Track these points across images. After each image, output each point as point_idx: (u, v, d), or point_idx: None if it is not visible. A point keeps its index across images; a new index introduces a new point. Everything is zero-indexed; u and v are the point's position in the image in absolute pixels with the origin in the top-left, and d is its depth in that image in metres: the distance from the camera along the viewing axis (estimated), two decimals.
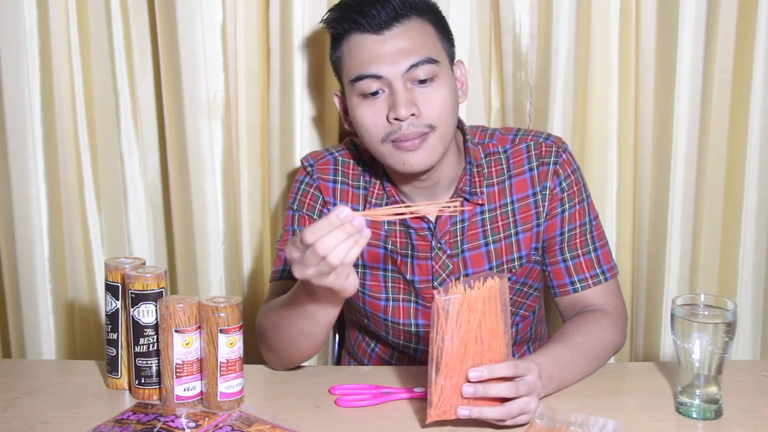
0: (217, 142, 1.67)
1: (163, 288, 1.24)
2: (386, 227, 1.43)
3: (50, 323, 1.73)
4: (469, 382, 1.11)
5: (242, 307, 1.20)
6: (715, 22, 1.65)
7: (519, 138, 1.44)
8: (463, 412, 1.11)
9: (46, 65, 1.64)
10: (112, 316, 1.27)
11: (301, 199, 1.44)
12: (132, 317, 1.23)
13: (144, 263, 1.28)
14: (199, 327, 1.20)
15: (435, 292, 1.09)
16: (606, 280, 1.42)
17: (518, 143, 1.43)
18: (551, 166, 1.41)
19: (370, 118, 1.31)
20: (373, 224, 1.41)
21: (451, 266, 1.41)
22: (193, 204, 1.69)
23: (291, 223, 1.44)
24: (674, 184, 1.70)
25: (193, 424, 1.15)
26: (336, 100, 1.42)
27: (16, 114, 1.65)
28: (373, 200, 1.42)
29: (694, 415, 1.19)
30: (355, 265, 1.41)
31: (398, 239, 1.43)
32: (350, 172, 1.45)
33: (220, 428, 1.14)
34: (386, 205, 1.41)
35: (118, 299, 1.27)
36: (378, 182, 1.43)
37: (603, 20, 1.70)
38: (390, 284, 1.44)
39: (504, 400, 1.13)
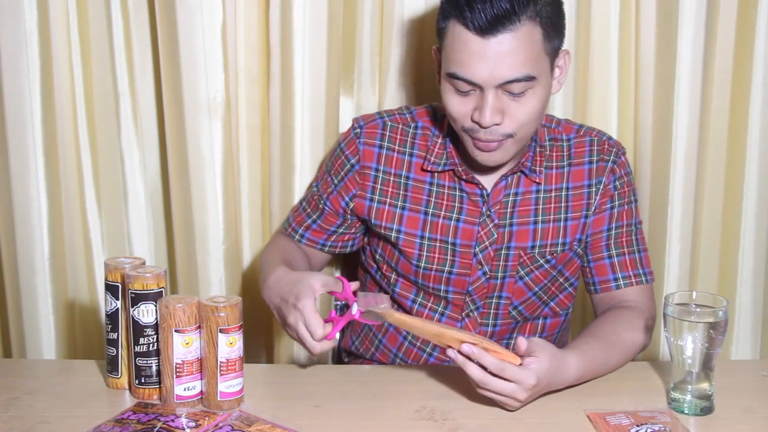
0: (217, 142, 1.67)
1: (163, 288, 1.24)
2: (436, 188, 1.44)
3: (50, 323, 1.72)
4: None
5: (242, 307, 1.20)
6: (714, 22, 1.65)
7: (584, 131, 1.48)
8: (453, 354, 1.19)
9: (46, 65, 1.64)
10: (112, 316, 1.27)
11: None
12: (132, 317, 1.23)
13: (144, 263, 1.28)
14: (199, 327, 1.20)
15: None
16: (647, 281, 1.45)
17: (583, 135, 1.47)
18: (610, 164, 1.45)
19: (456, 109, 1.32)
20: (415, 182, 1.45)
21: (496, 236, 1.43)
22: (193, 204, 1.69)
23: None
24: (674, 184, 1.69)
25: (193, 424, 1.15)
26: (434, 54, 1.39)
27: (16, 114, 1.65)
28: (432, 158, 1.44)
29: (686, 411, 1.19)
30: (394, 205, 1.46)
31: (446, 201, 1.44)
32: (398, 137, 1.47)
33: (220, 428, 1.14)
34: (444, 165, 1.43)
35: (118, 299, 1.27)
36: (440, 141, 1.44)
37: (603, 21, 1.70)
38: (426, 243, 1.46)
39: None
